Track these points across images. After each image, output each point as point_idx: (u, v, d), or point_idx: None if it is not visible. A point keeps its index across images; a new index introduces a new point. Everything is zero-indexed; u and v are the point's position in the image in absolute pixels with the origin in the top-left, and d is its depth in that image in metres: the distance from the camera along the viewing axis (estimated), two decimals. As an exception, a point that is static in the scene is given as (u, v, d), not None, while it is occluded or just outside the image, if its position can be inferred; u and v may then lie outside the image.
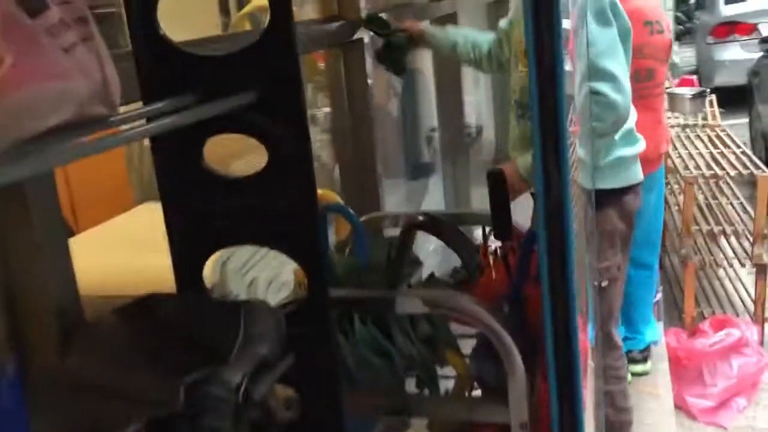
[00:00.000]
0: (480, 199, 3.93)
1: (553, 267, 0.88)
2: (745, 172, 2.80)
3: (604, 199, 1.84)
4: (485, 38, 2.13)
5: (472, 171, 3.82)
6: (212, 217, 0.99)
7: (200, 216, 0.99)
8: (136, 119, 0.89)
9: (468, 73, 3.65)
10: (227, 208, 0.98)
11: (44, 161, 0.59)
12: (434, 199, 3.80)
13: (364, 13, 2.03)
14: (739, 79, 6.99)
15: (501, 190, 1.30)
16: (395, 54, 2.04)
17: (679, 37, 9.71)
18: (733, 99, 6.50)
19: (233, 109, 0.91)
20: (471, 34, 2.20)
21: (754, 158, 3.04)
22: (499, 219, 1.28)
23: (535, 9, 0.82)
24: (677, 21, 9.74)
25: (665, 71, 2.59)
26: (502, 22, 2.07)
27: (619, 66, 1.73)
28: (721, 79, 7.71)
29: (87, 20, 0.76)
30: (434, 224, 1.15)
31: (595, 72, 1.69)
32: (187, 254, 1.01)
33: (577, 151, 1.72)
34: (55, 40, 0.70)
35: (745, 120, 6.32)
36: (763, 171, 2.78)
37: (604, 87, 1.69)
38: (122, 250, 1.58)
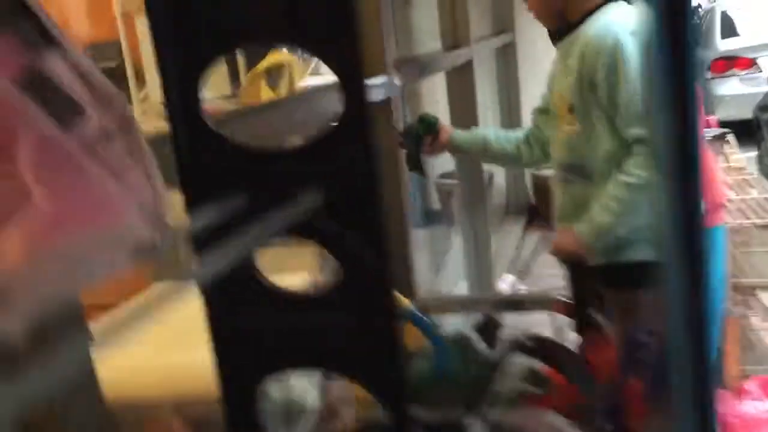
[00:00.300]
0: (495, 249, 3.79)
1: (694, 391, 0.72)
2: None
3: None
4: (515, 133, 2.01)
5: (487, 219, 3.68)
6: (267, 338, 0.83)
7: (253, 336, 0.84)
8: (185, 236, 0.75)
9: (484, 119, 3.53)
10: (285, 328, 0.83)
11: (83, 358, 0.44)
12: (446, 248, 3.66)
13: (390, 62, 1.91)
14: (739, 113, 6.93)
15: (583, 282, 1.16)
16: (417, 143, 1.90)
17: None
18: (736, 133, 6.43)
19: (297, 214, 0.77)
20: (500, 131, 2.09)
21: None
22: (581, 313, 1.14)
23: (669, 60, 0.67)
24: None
25: (702, 116, 2.48)
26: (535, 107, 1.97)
27: None
28: (721, 114, 7.66)
29: (130, 121, 0.61)
30: (544, 348, 1.01)
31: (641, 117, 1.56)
32: (237, 380, 0.86)
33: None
34: (98, 160, 0.55)
35: (748, 154, 6.23)
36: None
37: None
38: (145, 344, 1.42)
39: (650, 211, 1.61)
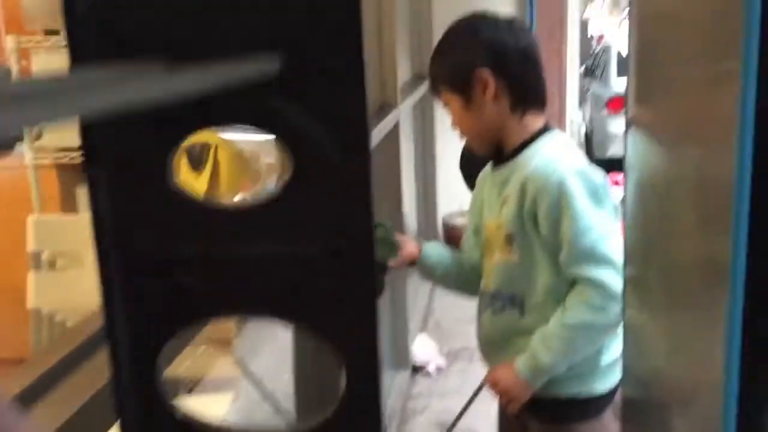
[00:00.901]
0: (407, 304, 3.72)
1: None
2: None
3: (603, 402, 1.68)
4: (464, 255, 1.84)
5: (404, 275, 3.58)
6: None
7: None
8: None
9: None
10: None
11: None
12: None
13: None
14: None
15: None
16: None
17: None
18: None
19: None
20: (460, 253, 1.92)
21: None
22: None
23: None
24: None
25: None
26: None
27: (617, 250, 1.57)
28: (614, 150, 8.01)
29: None
30: None
31: (594, 258, 1.54)
32: None
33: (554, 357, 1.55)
34: None
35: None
36: None
37: (606, 275, 1.53)
38: None
39: (590, 350, 1.59)
